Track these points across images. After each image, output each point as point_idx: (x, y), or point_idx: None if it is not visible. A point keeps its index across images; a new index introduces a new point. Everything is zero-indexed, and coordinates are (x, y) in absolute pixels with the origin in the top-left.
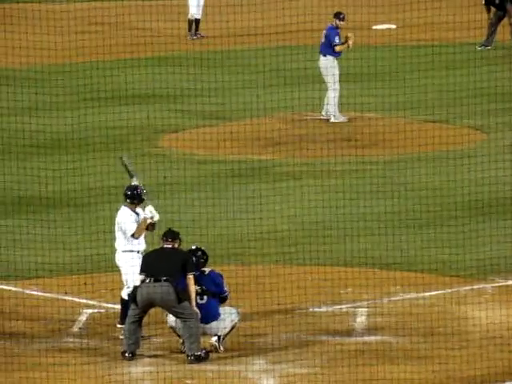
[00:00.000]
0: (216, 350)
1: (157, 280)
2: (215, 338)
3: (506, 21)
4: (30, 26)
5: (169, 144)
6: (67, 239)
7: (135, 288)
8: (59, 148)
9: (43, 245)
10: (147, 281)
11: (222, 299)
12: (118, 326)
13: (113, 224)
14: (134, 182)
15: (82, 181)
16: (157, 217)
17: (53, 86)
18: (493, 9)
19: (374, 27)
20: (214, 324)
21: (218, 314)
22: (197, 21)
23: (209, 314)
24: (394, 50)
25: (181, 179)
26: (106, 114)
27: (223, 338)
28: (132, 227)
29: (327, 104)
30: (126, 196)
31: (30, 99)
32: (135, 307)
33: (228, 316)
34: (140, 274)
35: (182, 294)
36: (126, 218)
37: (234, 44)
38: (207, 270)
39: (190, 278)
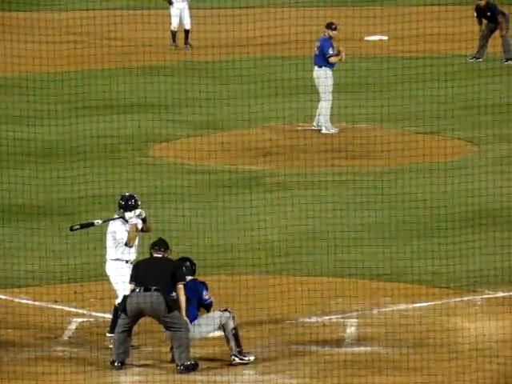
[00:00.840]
0: (245, 363)
1: (147, 289)
2: (232, 359)
3: (497, 33)
4: (21, 35)
5: (159, 153)
6: (57, 248)
7: (125, 297)
8: (50, 156)
9: (33, 253)
10: (137, 290)
11: (205, 307)
12: (108, 334)
13: (103, 233)
14: (100, 222)
15: (72, 189)
16: (143, 213)
17: (44, 95)
18: (484, 21)
19: (366, 38)
20: (195, 324)
21: (195, 318)
22: (186, 31)
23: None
24: (386, 62)
25: (171, 189)
26: (97, 122)
27: (238, 351)
28: (124, 236)
29: (319, 115)
30: (119, 205)
31: (21, 107)
32: (125, 317)
33: (205, 323)
34: (130, 283)
35: (172, 304)
36: (117, 228)
37: (226, 54)
38: (189, 277)
39: (180, 287)
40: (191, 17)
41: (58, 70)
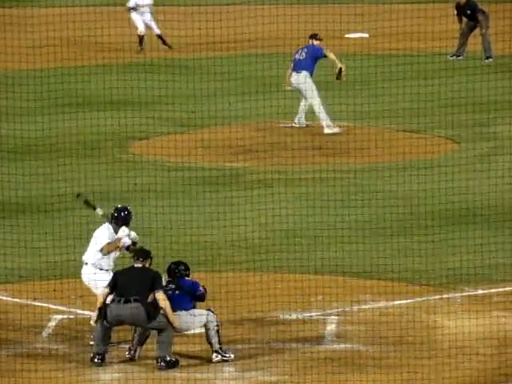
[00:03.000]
0: (226, 360)
1: (126, 300)
2: (214, 356)
3: (477, 31)
4: (0, 32)
5: (140, 151)
6: (37, 245)
7: (106, 306)
8: (29, 153)
9: (12, 250)
10: (116, 300)
11: (197, 297)
12: (92, 323)
13: (86, 231)
14: (99, 212)
15: (52, 186)
16: (133, 234)
17: (24, 92)
18: (464, 19)
19: (347, 36)
20: (182, 315)
21: (190, 308)
22: (159, 36)
23: (179, 306)
24: (366, 59)
25: (152, 186)
26: (76, 120)
27: (219, 348)
28: (104, 241)
29: (319, 113)
30: (112, 216)
31: (0, 104)
32: (106, 324)
33: (198, 316)
34: (106, 287)
35: (153, 312)
36: (103, 232)
37: (206, 51)
38: (187, 278)
39: (158, 295)
40: (156, 21)
41: (37, 66)
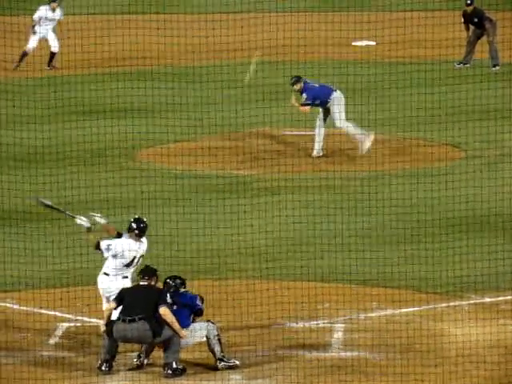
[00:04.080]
0: (232, 367)
1: (132, 320)
2: (219, 363)
3: (484, 39)
4: (7, 39)
5: (147, 158)
6: (43, 253)
7: (112, 323)
8: (36, 162)
9: (19, 258)
10: (121, 319)
11: (196, 313)
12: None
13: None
14: (80, 223)
15: (59, 195)
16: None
17: (31, 100)
18: (471, 27)
19: (354, 43)
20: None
21: (188, 324)
22: (53, 54)
23: (179, 322)
24: (373, 67)
25: (158, 194)
26: (83, 128)
27: (222, 356)
28: (126, 253)
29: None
30: (128, 229)
31: (7, 112)
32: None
33: (198, 331)
34: (114, 306)
35: (158, 329)
36: (116, 241)
37: (213, 59)
38: (182, 290)
39: (162, 310)
40: (58, 39)
41: (44, 74)
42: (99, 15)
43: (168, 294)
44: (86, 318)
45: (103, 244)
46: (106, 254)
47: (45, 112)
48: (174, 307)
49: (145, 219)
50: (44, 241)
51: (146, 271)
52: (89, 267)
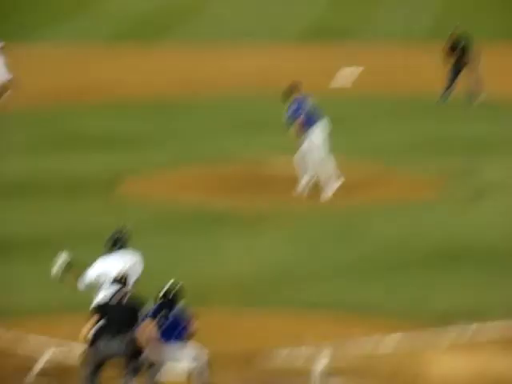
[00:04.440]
0: None
1: (112, 337)
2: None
3: (466, 71)
4: None
5: (129, 189)
6: (29, 278)
7: (92, 343)
8: (14, 194)
9: (5, 285)
10: (102, 337)
11: (190, 335)
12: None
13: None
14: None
15: (37, 225)
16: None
17: (11, 130)
18: (452, 60)
19: (338, 72)
20: (174, 346)
21: (181, 340)
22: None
23: (171, 332)
24: (358, 95)
25: (140, 224)
26: (64, 158)
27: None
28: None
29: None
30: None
31: None
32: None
33: (189, 349)
34: (93, 323)
35: (135, 347)
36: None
37: (195, 88)
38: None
39: (143, 323)
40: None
41: (25, 104)
42: (82, 45)
43: (164, 309)
44: (73, 343)
45: (85, 279)
46: (94, 283)
47: (27, 142)
48: (169, 319)
49: (122, 229)
50: (31, 266)
51: (118, 281)
52: (76, 292)
